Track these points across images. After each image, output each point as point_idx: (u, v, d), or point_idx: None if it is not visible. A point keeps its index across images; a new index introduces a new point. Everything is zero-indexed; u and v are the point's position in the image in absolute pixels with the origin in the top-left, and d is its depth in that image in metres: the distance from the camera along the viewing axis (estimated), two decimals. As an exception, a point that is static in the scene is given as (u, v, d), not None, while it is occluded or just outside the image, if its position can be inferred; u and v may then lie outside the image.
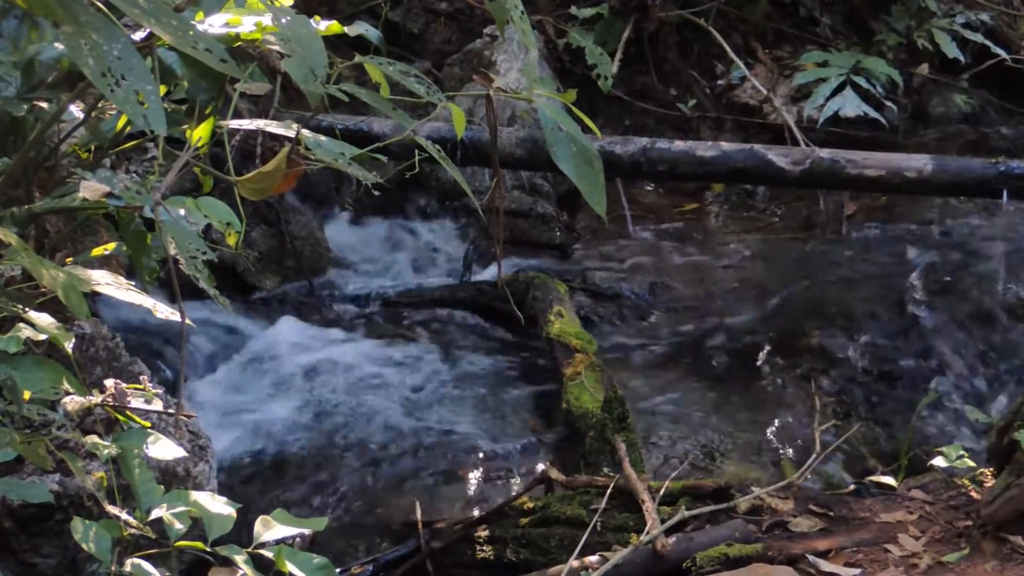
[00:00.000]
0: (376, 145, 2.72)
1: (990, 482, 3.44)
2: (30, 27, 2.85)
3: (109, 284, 2.28)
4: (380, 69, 2.45)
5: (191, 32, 1.95)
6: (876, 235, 6.07)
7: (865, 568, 3.18)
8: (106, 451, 2.35)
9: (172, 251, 2.16)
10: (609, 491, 3.48)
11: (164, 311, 2.35)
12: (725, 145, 5.30)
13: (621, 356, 5.00)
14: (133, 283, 2.42)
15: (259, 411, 4.58)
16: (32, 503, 2.61)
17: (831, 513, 3.47)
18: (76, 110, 2.98)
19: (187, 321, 2.15)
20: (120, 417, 2.54)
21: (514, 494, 3.69)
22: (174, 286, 2.03)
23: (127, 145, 3.15)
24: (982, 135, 7.24)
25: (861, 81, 6.76)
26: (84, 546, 2.21)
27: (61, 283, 2.14)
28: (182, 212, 2.46)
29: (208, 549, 2.26)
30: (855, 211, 6.30)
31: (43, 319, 2.30)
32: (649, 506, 3.36)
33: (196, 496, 2.34)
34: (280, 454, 4.31)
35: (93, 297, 2.38)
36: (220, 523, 2.30)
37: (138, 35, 2.39)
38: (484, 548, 3.52)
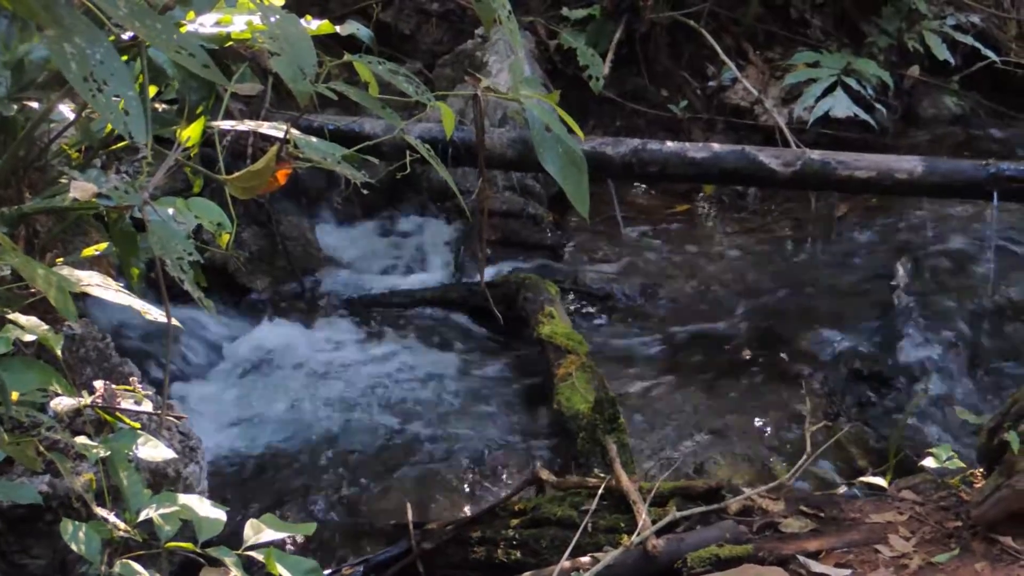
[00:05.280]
0: (364, 144, 2.72)
1: (980, 483, 3.45)
2: (19, 28, 2.85)
3: (97, 285, 2.28)
4: (369, 68, 2.45)
5: (175, 35, 1.95)
6: (866, 236, 6.07)
7: (855, 569, 3.18)
8: (95, 452, 2.34)
9: (159, 252, 2.16)
10: (600, 492, 3.47)
11: (154, 313, 2.35)
12: (716, 146, 5.30)
13: (612, 357, 5.00)
14: (123, 283, 2.42)
15: (250, 412, 4.58)
16: (21, 504, 2.61)
17: (822, 514, 3.47)
18: (67, 110, 2.98)
19: (175, 323, 2.15)
20: (108, 418, 2.54)
21: (505, 495, 3.69)
22: (161, 287, 2.02)
23: (118, 145, 3.15)
24: (972, 137, 7.26)
25: (852, 82, 6.76)
26: (73, 547, 2.21)
27: (49, 284, 2.13)
28: (172, 212, 2.46)
29: (198, 550, 2.25)
30: (846, 212, 6.31)
31: (29, 321, 2.29)
32: (640, 507, 3.36)
33: (185, 499, 2.34)
34: (271, 455, 4.31)
35: (84, 297, 2.37)
36: (209, 526, 2.30)
37: (127, 34, 2.39)
38: (475, 549, 3.52)
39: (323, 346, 5.09)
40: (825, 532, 3.38)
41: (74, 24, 1.83)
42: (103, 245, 2.94)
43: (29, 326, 2.28)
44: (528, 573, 3.32)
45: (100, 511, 2.31)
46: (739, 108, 7.19)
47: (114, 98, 1.81)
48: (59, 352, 2.33)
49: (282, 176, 2.22)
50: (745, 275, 5.79)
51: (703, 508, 3.45)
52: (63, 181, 2.95)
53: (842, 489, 3.76)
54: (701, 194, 6.67)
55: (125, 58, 2.82)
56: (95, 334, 3.27)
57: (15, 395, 2.33)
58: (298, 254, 5.61)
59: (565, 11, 7.03)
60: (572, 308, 5.34)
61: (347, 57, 2.42)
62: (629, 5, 6.97)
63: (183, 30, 2.68)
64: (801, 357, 4.89)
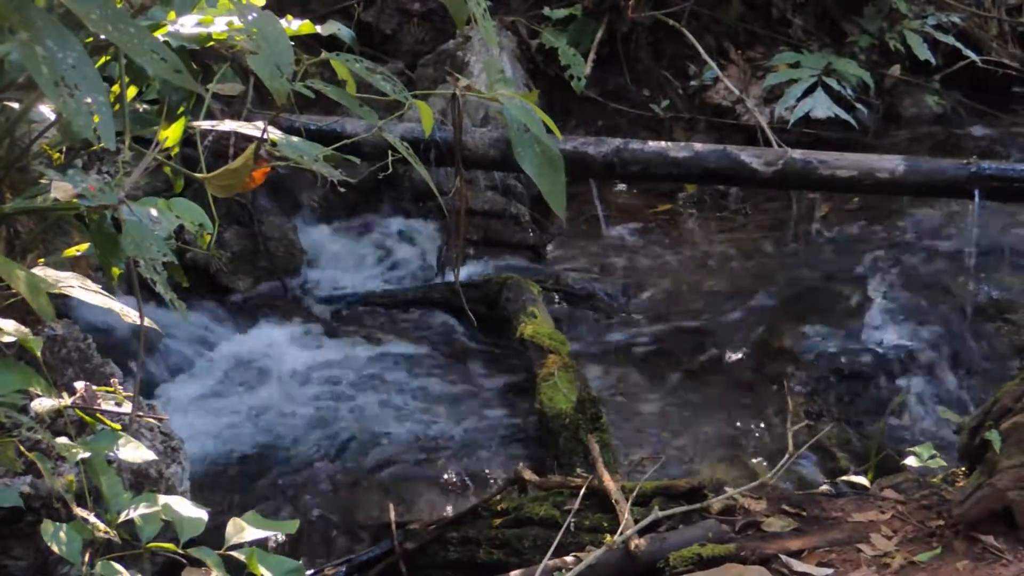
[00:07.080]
0: (344, 142, 2.72)
1: (962, 481, 3.45)
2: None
3: (77, 287, 2.27)
4: (346, 66, 2.45)
5: (148, 40, 1.93)
6: (848, 235, 6.09)
7: (838, 568, 3.19)
8: (75, 452, 2.33)
9: (133, 253, 2.15)
10: (583, 492, 3.47)
11: (133, 316, 2.33)
12: (698, 146, 5.31)
13: (594, 357, 5.00)
14: (104, 284, 2.41)
15: (233, 412, 4.57)
16: (2, 505, 2.59)
17: (804, 513, 3.47)
18: (48, 110, 2.96)
19: (153, 325, 2.14)
20: (88, 419, 2.53)
21: (488, 495, 3.69)
22: (135, 288, 2.01)
23: (99, 145, 3.13)
24: (953, 136, 7.28)
25: (832, 83, 6.77)
26: (54, 548, 2.20)
27: (30, 286, 2.12)
28: (154, 213, 2.45)
29: (180, 551, 2.25)
30: (827, 212, 6.33)
31: (7, 325, 2.28)
32: (622, 506, 3.36)
33: (166, 499, 2.33)
34: (254, 455, 4.30)
35: (67, 297, 2.36)
36: (191, 526, 2.29)
37: (106, 35, 2.37)
38: (458, 549, 3.52)
39: (305, 346, 5.08)
40: (807, 531, 3.38)
41: (46, 28, 1.82)
42: (84, 246, 2.92)
43: (8, 329, 2.27)
44: (513, 573, 3.32)
45: (80, 512, 2.30)
46: (721, 107, 7.21)
47: (87, 101, 1.79)
48: (39, 353, 2.32)
49: (260, 175, 2.22)
50: (727, 275, 5.80)
51: (685, 507, 3.45)
52: (44, 181, 2.94)
53: (824, 488, 3.76)
54: (683, 194, 6.68)
55: (106, 58, 2.81)
56: (76, 334, 3.25)
57: (-6, 396, 2.32)
58: (280, 254, 5.60)
59: (546, 11, 7.02)
60: (554, 308, 5.34)
61: (324, 55, 2.42)
62: (611, 4, 6.98)
63: (164, 30, 2.68)
64: (783, 356, 4.90)
